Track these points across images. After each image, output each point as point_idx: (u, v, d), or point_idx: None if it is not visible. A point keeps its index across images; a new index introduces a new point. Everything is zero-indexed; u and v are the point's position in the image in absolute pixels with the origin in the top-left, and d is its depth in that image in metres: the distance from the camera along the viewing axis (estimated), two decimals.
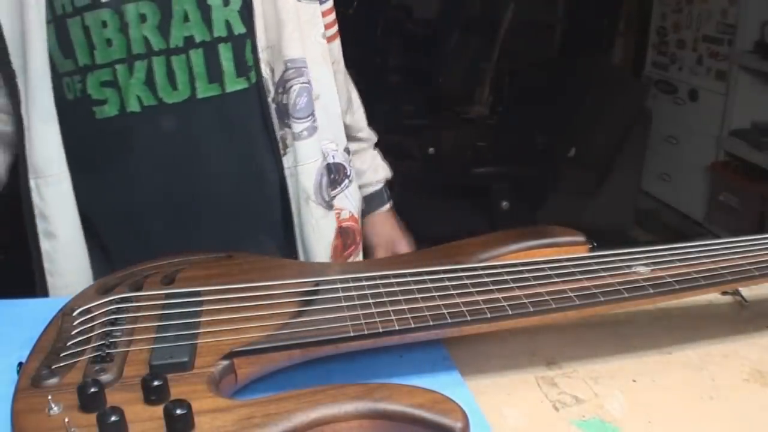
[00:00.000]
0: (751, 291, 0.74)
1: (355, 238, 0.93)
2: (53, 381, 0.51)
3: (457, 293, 0.59)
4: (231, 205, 0.84)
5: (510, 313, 0.57)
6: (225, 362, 0.54)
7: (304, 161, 0.84)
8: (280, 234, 0.87)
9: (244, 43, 0.81)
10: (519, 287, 0.60)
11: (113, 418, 0.46)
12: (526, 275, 0.62)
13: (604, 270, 0.63)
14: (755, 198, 2.82)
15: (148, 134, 0.81)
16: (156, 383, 0.49)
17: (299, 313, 0.58)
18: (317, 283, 0.62)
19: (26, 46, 0.76)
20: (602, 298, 0.59)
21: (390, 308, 0.58)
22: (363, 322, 0.56)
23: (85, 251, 0.82)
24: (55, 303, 0.66)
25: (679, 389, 0.59)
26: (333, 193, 0.89)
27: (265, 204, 0.86)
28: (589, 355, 0.64)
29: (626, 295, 0.60)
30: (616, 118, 2.75)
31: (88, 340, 0.55)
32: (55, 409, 0.48)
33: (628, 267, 0.63)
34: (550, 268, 0.63)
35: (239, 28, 0.80)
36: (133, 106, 0.79)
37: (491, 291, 0.59)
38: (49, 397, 0.49)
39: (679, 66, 3.33)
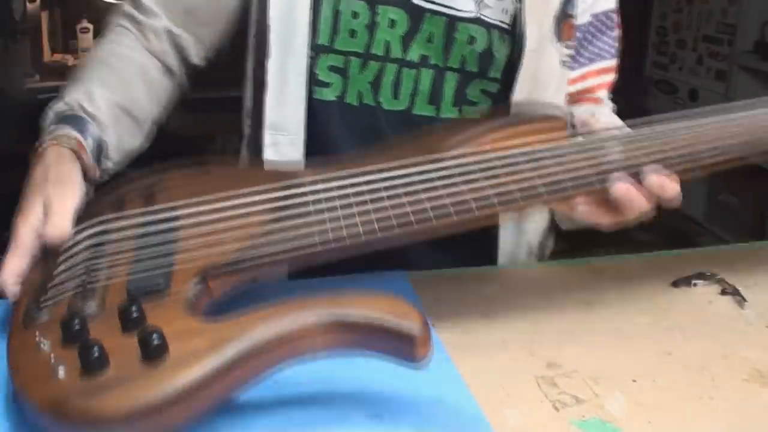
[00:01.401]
0: (751, 291, 0.74)
1: None
2: (43, 318, 0.53)
3: (426, 196, 0.60)
4: None
5: (476, 213, 0.59)
6: (199, 283, 0.55)
7: None
8: None
9: (470, 80, 0.83)
10: (490, 185, 0.61)
11: (94, 352, 0.47)
12: (497, 170, 0.62)
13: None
14: (755, 198, 2.82)
15: (352, 126, 0.83)
16: (132, 312, 0.50)
17: (270, 224, 0.59)
18: (287, 195, 0.62)
19: (292, 3, 0.79)
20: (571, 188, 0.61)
21: (357, 215, 0.59)
22: (329, 227, 0.58)
23: None
24: None
25: (679, 389, 0.59)
26: None
27: None
28: (589, 355, 0.64)
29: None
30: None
31: (73, 272, 0.57)
32: (44, 345, 0.50)
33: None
34: (525, 161, 0.62)
35: (471, 66, 0.82)
36: (352, 99, 0.82)
37: (461, 191, 0.60)
38: (37, 333, 0.51)
39: (679, 66, 3.33)
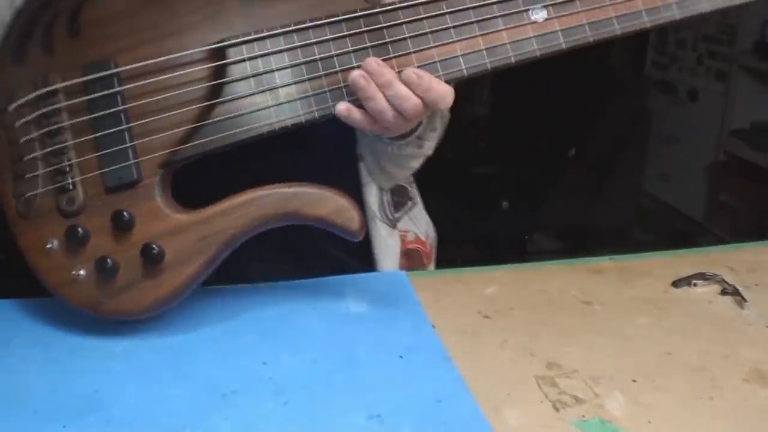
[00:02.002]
0: (751, 291, 0.74)
1: (422, 261, 0.93)
2: (34, 210, 0.64)
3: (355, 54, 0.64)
4: None
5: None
6: (165, 173, 0.64)
7: (366, 179, 0.84)
8: (356, 250, 0.85)
9: None
10: (415, 51, 0.64)
11: (107, 263, 0.62)
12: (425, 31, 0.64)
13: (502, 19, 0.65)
14: (755, 198, 2.82)
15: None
16: (125, 221, 0.63)
17: (214, 95, 0.64)
18: (226, 53, 0.64)
19: None
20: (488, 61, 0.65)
21: (295, 89, 0.64)
22: (272, 109, 0.64)
23: None
24: (53, 303, 0.66)
25: (679, 389, 0.59)
26: (397, 214, 0.90)
27: None
28: (589, 355, 0.64)
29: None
30: (616, 118, 2.75)
31: (32, 147, 0.64)
32: (53, 245, 0.64)
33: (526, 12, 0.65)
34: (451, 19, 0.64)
35: None
36: None
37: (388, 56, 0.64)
38: (42, 232, 0.64)
39: (679, 66, 3.33)
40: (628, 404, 0.57)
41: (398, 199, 0.90)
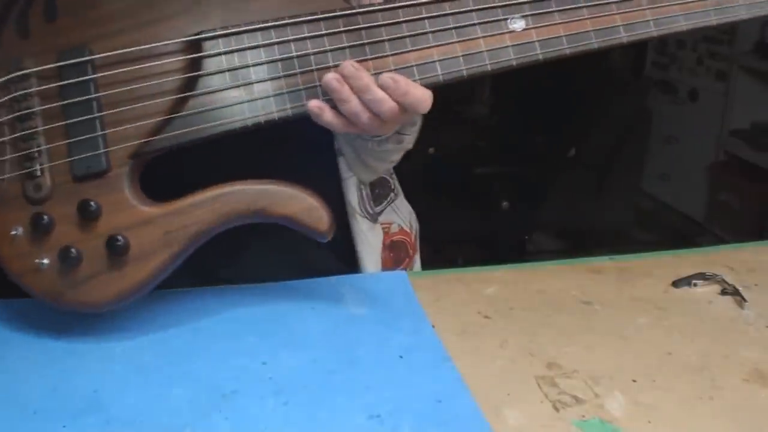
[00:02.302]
0: (751, 291, 0.74)
1: (408, 251, 0.93)
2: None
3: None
4: None
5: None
6: (134, 164, 0.64)
7: (345, 175, 0.84)
8: (338, 246, 0.85)
9: None
10: (393, 54, 0.64)
11: (71, 253, 0.62)
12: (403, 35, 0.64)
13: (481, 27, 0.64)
14: (755, 198, 2.82)
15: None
16: (92, 210, 0.62)
17: (188, 88, 0.63)
18: (202, 46, 0.64)
19: None
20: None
21: (270, 86, 0.64)
22: (246, 105, 0.63)
23: None
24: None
25: (679, 389, 0.59)
26: (379, 208, 0.89)
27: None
28: (589, 355, 0.64)
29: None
30: (616, 118, 2.75)
31: (4, 135, 0.63)
32: (17, 231, 0.63)
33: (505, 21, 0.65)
34: (430, 24, 0.64)
35: None
36: None
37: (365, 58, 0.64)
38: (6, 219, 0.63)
39: (678, 66, 3.33)
40: (628, 404, 0.57)
41: (380, 191, 0.90)
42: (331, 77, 0.63)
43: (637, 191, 3.27)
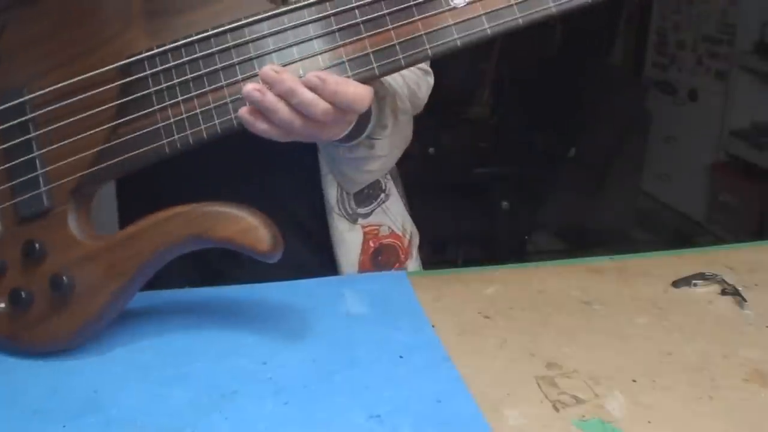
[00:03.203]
0: (751, 291, 0.74)
1: (398, 256, 0.89)
2: None
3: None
4: (265, 199, 0.83)
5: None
6: (77, 198, 0.63)
7: (324, 171, 0.81)
8: (313, 243, 0.84)
9: None
10: (322, 52, 0.60)
11: (22, 295, 0.61)
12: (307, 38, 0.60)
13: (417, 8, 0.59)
14: (755, 198, 2.82)
15: None
16: (36, 251, 0.62)
17: (119, 116, 0.62)
18: (130, 82, 0.62)
19: None
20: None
21: (196, 102, 0.61)
22: (173, 126, 0.61)
23: None
24: None
25: (679, 389, 0.59)
26: (368, 208, 0.86)
27: (297, 208, 0.84)
28: (589, 355, 0.64)
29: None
30: (616, 118, 2.75)
31: None
32: None
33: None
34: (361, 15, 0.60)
35: None
36: None
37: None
38: None
39: (678, 66, 3.33)
40: (628, 404, 0.57)
41: (369, 191, 0.87)
42: (250, 88, 0.59)
43: (637, 191, 3.28)
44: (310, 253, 0.84)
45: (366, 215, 0.86)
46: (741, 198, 2.91)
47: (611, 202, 2.97)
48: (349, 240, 0.84)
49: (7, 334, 0.63)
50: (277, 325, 0.68)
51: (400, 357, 0.63)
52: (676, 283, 0.76)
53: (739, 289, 0.74)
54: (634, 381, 0.60)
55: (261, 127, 0.60)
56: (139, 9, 0.63)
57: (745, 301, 0.73)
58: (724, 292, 0.75)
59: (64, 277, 0.61)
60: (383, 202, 0.88)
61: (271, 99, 0.59)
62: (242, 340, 0.66)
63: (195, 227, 0.60)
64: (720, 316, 0.71)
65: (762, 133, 2.87)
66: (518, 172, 2.58)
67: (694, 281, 0.76)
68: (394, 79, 0.81)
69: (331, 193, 0.82)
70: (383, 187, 0.89)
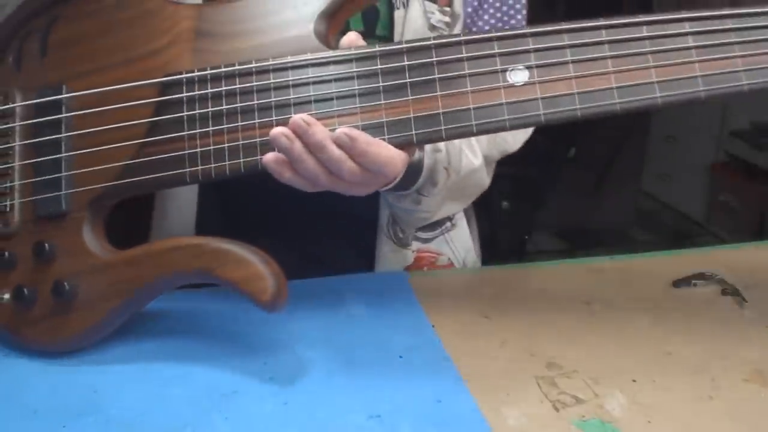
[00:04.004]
0: (751, 291, 0.74)
1: None
2: None
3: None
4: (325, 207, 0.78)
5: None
6: (95, 208, 0.62)
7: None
8: (357, 252, 0.83)
9: None
10: (362, 111, 0.56)
11: (24, 292, 0.61)
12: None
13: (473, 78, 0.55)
14: (755, 198, 2.82)
15: None
16: (46, 252, 0.61)
17: (149, 134, 0.61)
18: (165, 102, 0.61)
19: None
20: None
21: (226, 137, 0.59)
22: (198, 154, 0.60)
23: None
24: None
25: (679, 389, 0.59)
26: (429, 234, 0.84)
27: (352, 219, 0.82)
28: (589, 355, 0.64)
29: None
30: (616, 119, 2.74)
31: None
32: None
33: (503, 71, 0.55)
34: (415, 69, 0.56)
35: (356, 24, 0.75)
36: None
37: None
38: None
39: None
40: (628, 404, 0.57)
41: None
42: (278, 132, 0.55)
43: (637, 191, 3.27)
44: (353, 259, 0.83)
45: (426, 240, 0.84)
46: (741, 198, 2.91)
47: (611, 202, 2.97)
48: (392, 260, 0.82)
49: (8, 326, 0.63)
50: (277, 325, 0.68)
51: (400, 357, 0.63)
52: (676, 283, 0.76)
53: (739, 289, 0.74)
54: (634, 381, 0.60)
55: (286, 175, 0.57)
56: (190, 25, 0.62)
57: (745, 301, 0.73)
58: (724, 292, 0.75)
59: (67, 285, 0.60)
60: (448, 231, 0.86)
61: (298, 149, 0.56)
62: (242, 340, 0.66)
63: (203, 262, 0.59)
64: (720, 316, 0.71)
65: (762, 133, 2.87)
66: (518, 172, 2.58)
67: (694, 281, 0.76)
68: None
69: (384, 214, 0.80)
70: (451, 217, 0.86)
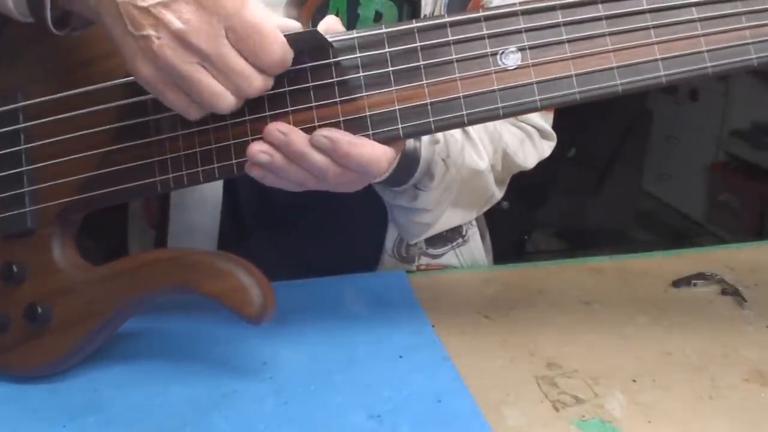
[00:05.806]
0: (751, 291, 0.74)
1: None
2: None
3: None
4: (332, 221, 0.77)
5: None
6: (61, 222, 0.58)
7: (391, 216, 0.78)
8: (358, 264, 0.81)
9: None
10: (342, 101, 0.52)
11: (3, 321, 0.57)
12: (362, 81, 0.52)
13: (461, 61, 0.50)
14: (755, 198, 2.82)
15: None
16: (14, 273, 0.57)
17: (113, 141, 0.56)
18: (130, 111, 0.56)
19: None
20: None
21: (197, 140, 0.54)
22: (168, 161, 0.55)
23: None
24: None
25: (679, 389, 0.59)
26: (439, 250, 0.82)
27: (359, 238, 0.81)
28: (589, 355, 0.64)
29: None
30: (616, 118, 2.75)
31: None
32: None
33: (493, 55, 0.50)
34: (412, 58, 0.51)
35: None
36: None
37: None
38: None
39: None
40: (628, 404, 0.57)
41: (446, 233, 0.82)
42: (256, 150, 0.52)
43: (637, 191, 3.28)
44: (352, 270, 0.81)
45: (436, 256, 0.83)
46: (741, 198, 2.91)
47: (611, 202, 2.97)
48: None
49: None
50: (277, 325, 0.68)
51: (400, 357, 0.63)
52: (676, 283, 0.76)
53: (739, 289, 0.74)
54: (634, 381, 0.60)
55: (271, 181, 0.54)
56: None
57: (745, 301, 0.73)
58: (724, 292, 0.75)
59: (40, 308, 0.57)
60: (459, 246, 0.84)
61: (279, 161, 0.52)
62: (242, 340, 0.66)
63: (181, 276, 0.55)
64: (720, 316, 0.71)
65: (762, 133, 2.87)
66: (518, 172, 2.58)
67: (694, 281, 0.76)
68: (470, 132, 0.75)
69: (391, 234, 0.79)
70: (462, 232, 0.84)
